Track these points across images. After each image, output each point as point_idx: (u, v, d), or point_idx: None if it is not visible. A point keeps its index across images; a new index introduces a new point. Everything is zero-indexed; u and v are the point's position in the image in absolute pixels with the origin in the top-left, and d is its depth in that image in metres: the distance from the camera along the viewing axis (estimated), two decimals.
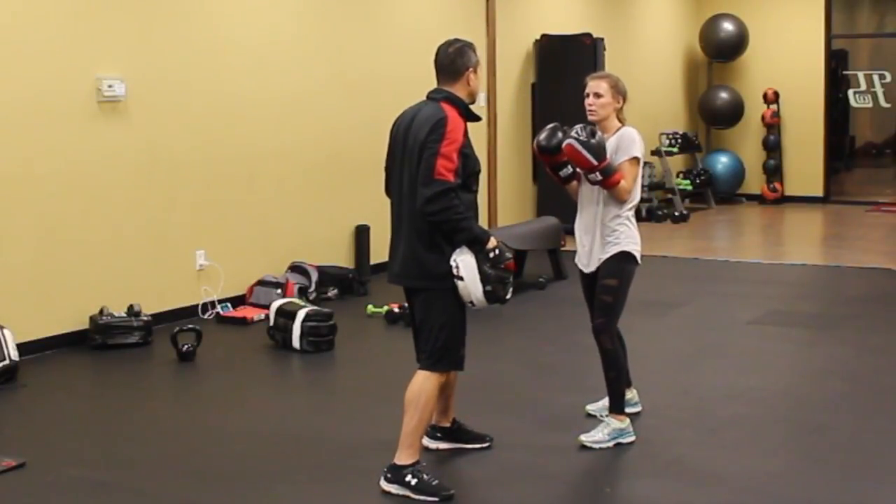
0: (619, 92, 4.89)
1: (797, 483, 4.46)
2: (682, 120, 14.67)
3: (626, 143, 4.82)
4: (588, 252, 4.93)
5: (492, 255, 4.29)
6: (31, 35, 6.52)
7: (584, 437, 4.82)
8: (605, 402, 5.11)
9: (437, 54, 4.41)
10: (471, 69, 4.37)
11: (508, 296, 4.42)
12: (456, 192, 4.18)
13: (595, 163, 4.66)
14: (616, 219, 4.84)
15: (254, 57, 8.04)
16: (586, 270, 4.96)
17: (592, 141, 4.65)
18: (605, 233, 4.85)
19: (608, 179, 4.71)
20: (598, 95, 4.86)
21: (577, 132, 4.67)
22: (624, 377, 4.96)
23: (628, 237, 4.85)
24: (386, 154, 4.51)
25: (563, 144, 4.70)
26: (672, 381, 5.97)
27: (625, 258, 4.85)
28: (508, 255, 4.39)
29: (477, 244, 4.27)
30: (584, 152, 4.64)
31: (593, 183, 4.77)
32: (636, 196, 4.89)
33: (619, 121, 4.92)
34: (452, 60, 4.36)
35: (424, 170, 4.17)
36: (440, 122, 4.20)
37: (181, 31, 7.45)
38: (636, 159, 4.82)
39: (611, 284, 4.83)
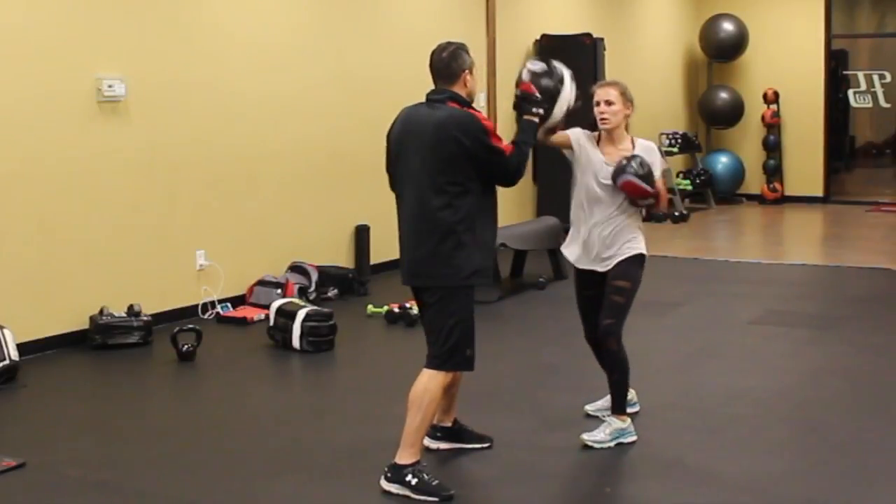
0: (628, 99, 4.89)
1: (797, 483, 4.46)
2: (682, 120, 14.67)
3: (654, 159, 4.84)
4: (597, 254, 4.89)
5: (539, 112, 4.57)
6: (31, 35, 6.52)
7: (585, 437, 4.82)
8: (604, 402, 5.11)
9: (431, 59, 4.43)
10: (466, 71, 4.39)
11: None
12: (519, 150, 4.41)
13: (651, 191, 4.73)
14: (634, 219, 4.87)
15: (254, 57, 8.04)
16: (592, 270, 4.94)
17: (643, 172, 4.70)
18: (619, 236, 4.83)
19: (659, 202, 4.81)
20: (609, 103, 4.84)
21: (633, 168, 4.69)
22: (628, 379, 4.94)
23: (640, 240, 4.89)
24: (386, 156, 4.52)
25: (621, 182, 4.73)
26: (672, 381, 5.97)
27: (638, 261, 4.86)
28: (523, 91, 4.62)
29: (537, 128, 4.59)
30: (644, 185, 4.70)
31: (644, 206, 4.84)
32: None
33: (625, 128, 4.92)
34: (447, 64, 4.38)
35: (496, 162, 4.29)
36: (471, 120, 4.26)
37: (181, 31, 7.45)
38: (662, 174, 4.87)
39: (624, 286, 4.82)
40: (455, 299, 4.31)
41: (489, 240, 4.42)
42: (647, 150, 4.87)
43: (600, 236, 4.87)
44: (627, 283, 4.83)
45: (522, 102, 4.58)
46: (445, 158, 4.24)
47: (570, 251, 5.01)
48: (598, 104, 4.87)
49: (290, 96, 8.37)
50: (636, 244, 4.86)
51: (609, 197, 4.84)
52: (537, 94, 4.54)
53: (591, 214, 4.91)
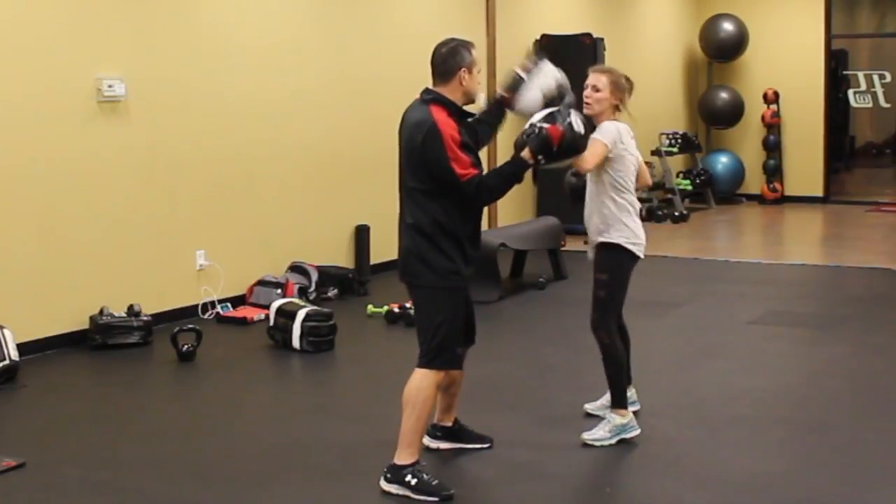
0: (618, 88, 4.83)
1: (797, 483, 4.46)
2: (682, 120, 14.67)
3: (599, 130, 4.72)
4: (590, 240, 4.94)
5: (540, 159, 4.30)
6: (31, 35, 6.52)
7: (586, 435, 4.82)
8: (603, 401, 5.12)
9: (432, 54, 4.40)
10: (464, 69, 4.31)
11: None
12: (482, 177, 4.25)
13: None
14: (610, 208, 4.80)
15: (254, 57, 8.04)
16: (589, 257, 4.99)
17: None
18: (599, 222, 4.84)
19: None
20: (595, 89, 4.81)
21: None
22: (624, 372, 4.94)
23: (619, 230, 4.80)
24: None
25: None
26: (672, 381, 5.97)
27: (615, 251, 4.81)
28: (545, 132, 4.28)
29: (526, 168, 4.34)
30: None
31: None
32: (629, 190, 4.82)
33: (616, 118, 4.87)
34: (444, 60, 4.33)
35: (449, 179, 4.18)
36: (433, 130, 4.19)
37: (181, 31, 7.45)
38: (597, 141, 4.63)
39: (602, 279, 4.83)
40: (438, 298, 4.30)
41: (466, 241, 4.35)
42: (602, 128, 4.72)
43: (588, 221, 4.91)
44: (604, 274, 4.82)
45: (535, 141, 4.29)
46: (413, 161, 4.25)
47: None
48: (586, 87, 4.84)
49: (290, 96, 8.36)
50: (612, 232, 4.80)
51: (591, 184, 4.86)
52: (555, 147, 4.28)
53: (586, 203, 4.96)
